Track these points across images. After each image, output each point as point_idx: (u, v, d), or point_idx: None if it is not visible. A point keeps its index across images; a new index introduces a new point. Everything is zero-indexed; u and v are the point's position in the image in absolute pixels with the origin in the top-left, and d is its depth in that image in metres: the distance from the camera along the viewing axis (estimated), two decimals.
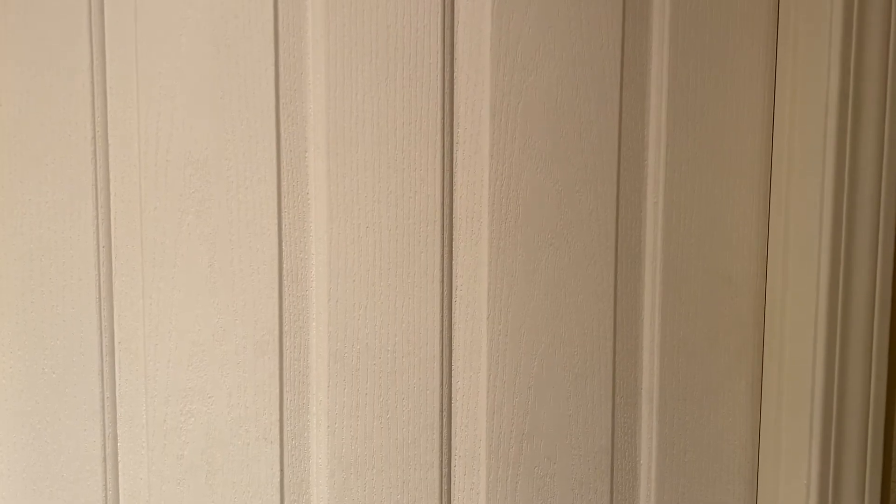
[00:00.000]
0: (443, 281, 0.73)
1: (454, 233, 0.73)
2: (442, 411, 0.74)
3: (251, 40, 0.69)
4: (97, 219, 0.71)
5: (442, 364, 0.73)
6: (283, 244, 0.71)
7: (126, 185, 0.71)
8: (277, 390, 0.72)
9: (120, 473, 0.73)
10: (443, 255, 0.72)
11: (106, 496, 0.73)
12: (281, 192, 0.71)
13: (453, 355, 0.74)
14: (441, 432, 0.74)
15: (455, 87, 0.71)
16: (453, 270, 0.73)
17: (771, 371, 0.76)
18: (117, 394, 0.72)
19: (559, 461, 0.75)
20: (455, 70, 0.71)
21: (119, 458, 0.73)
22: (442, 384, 0.73)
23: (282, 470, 0.73)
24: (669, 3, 0.73)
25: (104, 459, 0.73)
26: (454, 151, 0.72)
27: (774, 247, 0.75)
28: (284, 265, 0.71)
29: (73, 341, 0.72)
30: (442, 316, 0.73)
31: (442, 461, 0.74)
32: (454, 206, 0.73)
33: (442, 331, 0.73)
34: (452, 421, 0.74)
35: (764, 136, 0.74)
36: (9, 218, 0.71)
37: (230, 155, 0.70)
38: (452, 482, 0.75)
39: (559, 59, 0.72)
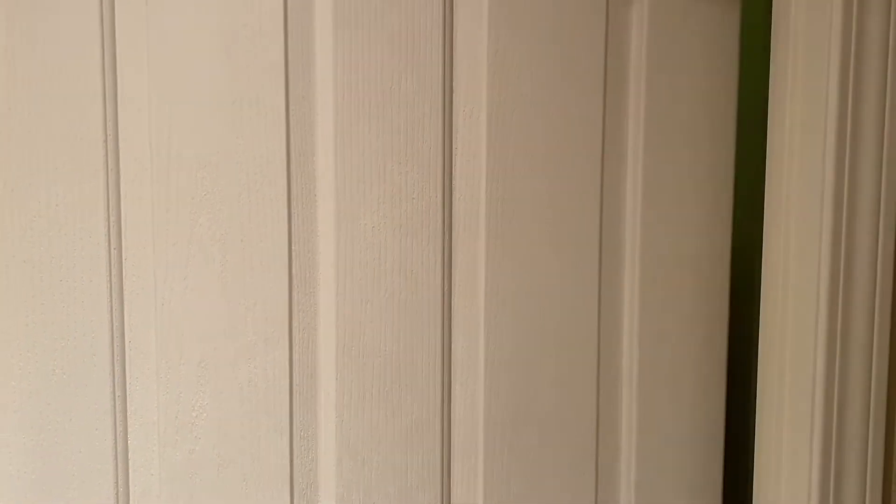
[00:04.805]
0: (443, 276, 0.77)
1: (453, 231, 0.78)
2: (443, 400, 0.79)
3: (261, 47, 0.72)
4: (108, 221, 0.72)
5: (443, 355, 0.78)
6: (293, 243, 0.74)
7: (138, 188, 0.72)
8: (287, 384, 0.75)
9: (132, 470, 0.74)
10: (443, 252, 0.77)
11: (117, 492, 0.74)
12: (291, 193, 0.74)
13: (453, 346, 0.79)
14: (442, 419, 0.79)
15: (454, 96, 0.76)
16: (453, 266, 0.78)
17: (771, 377, 0.78)
18: (128, 392, 0.74)
19: (550, 444, 0.81)
20: (454, 80, 0.76)
21: (130, 455, 0.74)
22: (443, 374, 0.78)
23: (291, 460, 0.76)
24: (647, 24, 0.80)
25: (115, 457, 0.74)
26: (454, 155, 0.77)
27: (773, 252, 0.78)
28: (294, 263, 0.75)
29: (84, 342, 0.72)
30: (443, 309, 0.78)
31: (443, 446, 0.79)
32: (453, 207, 0.78)
33: (443, 323, 0.78)
34: (452, 408, 0.79)
35: (728, 142, 0.83)
36: (19, 220, 0.71)
37: (241, 158, 0.73)
38: (452, 465, 0.80)
39: (550, 71, 0.78)
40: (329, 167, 0.74)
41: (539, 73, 0.77)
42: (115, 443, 0.74)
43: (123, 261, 0.73)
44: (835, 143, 0.70)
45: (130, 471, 0.74)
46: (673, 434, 0.86)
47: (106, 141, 0.71)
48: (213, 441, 0.75)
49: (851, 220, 0.71)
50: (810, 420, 0.73)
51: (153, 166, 0.72)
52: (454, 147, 0.77)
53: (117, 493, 0.75)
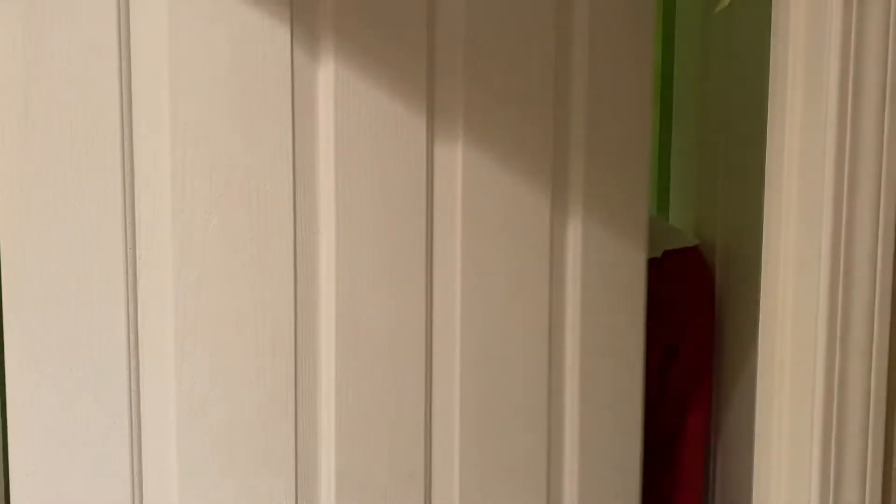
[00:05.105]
0: (426, 271, 0.87)
1: (434, 230, 0.87)
2: (426, 376, 0.88)
3: (268, 65, 0.79)
4: (125, 222, 0.76)
5: (426, 337, 0.87)
6: (297, 241, 0.82)
7: (154, 190, 0.77)
8: (293, 370, 0.82)
9: (147, 460, 0.79)
10: (427, 250, 0.87)
11: (133, 482, 0.79)
12: (296, 195, 0.81)
13: (433, 331, 0.88)
14: (426, 394, 0.87)
15: (434, 123, 0.86)
16: (433, 262, 0.87)
17: (770, 377, 0.79)
18: (143, 387, 0.78)
19: (511, 411, 0.91)
20: (435, 112, 0.85)
21: (147, 446, 0.79)
22: (426, 354, 0.87)
23: (296, 442, 0.83)
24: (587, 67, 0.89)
25: (131, 448, 0.78)
26: (434, 165, 0.86)
27: (773, 252, 0.78)
28: (298, 260, 0.82)
29: (101, 340, 0.76)
30: (426, 299, 0.87)
31: (426, 415, 0.88)
32: (434, 210, 0.87)
33: (426, 310, 0.87)
34: (433, 383, 0.88)
35: (644, 157, 0.93)
36: (36, 222, 0.75)
37: (251, 162, 0.80)
38: (433, 430, 0.88)
39: (508, 99, 0.87)
40: (330, 172, 0.82)
41: (501, 101, 0.87)
42: (132, 435, 0.78)
43: (138, 259, 0.77)
44: (835, 143, 0.71)
45: (147, 461, 0.79)
46: (604, 403, 0.96)
47: (123, 145, 0.76)
48: (224, 428, 0.81)
49: (851, 221, 0.71)
50: (810, 420, 0.73)
51: (169, 170, 0.77)
52: (434, 156, 0.86)
53: (132, 484, 0.79)
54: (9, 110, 0.74)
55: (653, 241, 1.13)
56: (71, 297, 0.76)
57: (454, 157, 0.87)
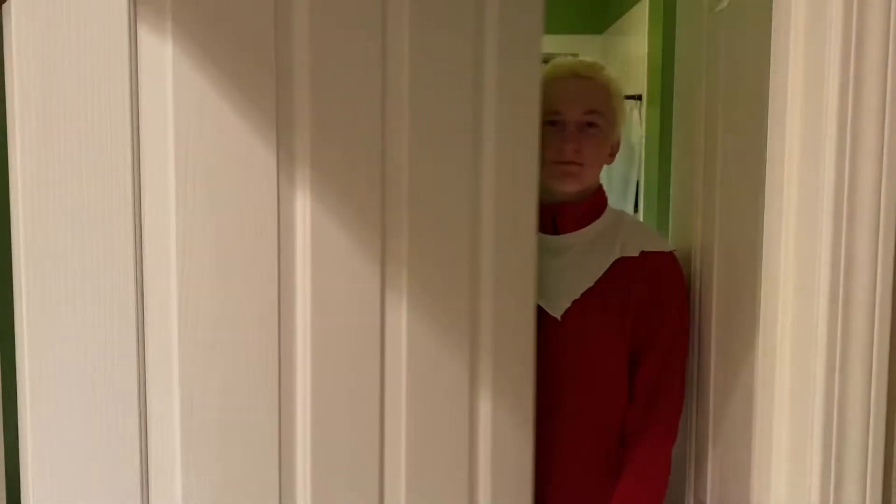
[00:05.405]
0: (381, 265, 0.97)
1: (386, 235, 0.97)
2: (381, 350, 0.98)
3: (255, 84, 0.87)
4: (135, 218, 0.83)
5: (381, 320, 0.97)
6: (281, 239, 0.90)
7: (161, 190, 0.84)
8: (276, 353, 0.92)
9: (154, 442, 0.87)
10: (382, 249, 0.97)
11: (141, 458, 0.86)
12: (279, 197, 0.90)
13: (385, 316, 0.98)
14: (380, 364, 0.98)
15: (386, 152, 0.95)
16: (385, 258, 0.97)
17: (770, 376, 0.79)
18: (150, 378, 0.85)
19: (444, 375, 1.02)
20: (385, 144, 0.95)
21: (154, 428, 0.86)
22: (381, 332, 0.97)
23: (279, 416, 0.93)
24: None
25: (140, 431, 0.85)
26: (385, 185, 0.96)
27: (773, 252, 0.79)
28: (281, 256, 0.91)
29: (112, 333, 0.83)
30: (381, 288, 0.97)
31: (382, 377, 0.98)
32: (385, 219, 0.96)
33: (381, 297, 0.97)
34: (385, 353, 0.98)
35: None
36: (51, 217, 0.80)
37: (242, 169, 0.88)
38: (385, 389, 0.99)
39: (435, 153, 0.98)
40: (306, 185, 0.91)
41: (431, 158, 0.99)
42: (140, 422, 0.85)
43: (146, 257, 0.84)
44: (835, 144, 0.72)
45: (154, 442, 0.86)
46: (509, 373, 1.06)
47: (132, 149, 0.82)
48: (218, 410, 0.89)
49: (851, 221, 0.71)
50: (810, 420, 0.73)
51: (177, 172, 0.85)
52: (385, 174, 0.96)
53: (141, 459, 0.85)
54: (29, 117, 0.80)
55: (632, 242, 1.24)
56: (85, 291, 0.82)
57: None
